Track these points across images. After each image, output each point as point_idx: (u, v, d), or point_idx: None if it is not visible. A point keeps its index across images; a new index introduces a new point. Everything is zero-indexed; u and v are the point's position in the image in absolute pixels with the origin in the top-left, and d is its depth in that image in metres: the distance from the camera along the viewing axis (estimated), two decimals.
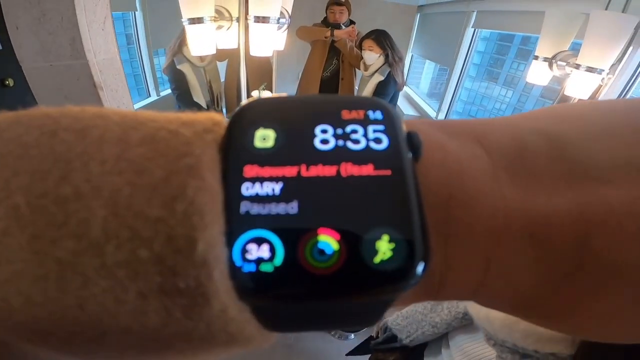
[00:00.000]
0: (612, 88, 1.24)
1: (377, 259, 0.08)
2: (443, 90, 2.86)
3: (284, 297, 0.08)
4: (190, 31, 0.97)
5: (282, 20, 1.08)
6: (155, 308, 0.08)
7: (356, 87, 2.21)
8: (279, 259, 0.08)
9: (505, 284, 0.10)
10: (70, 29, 0.40)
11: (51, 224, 0.08)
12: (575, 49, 1.17)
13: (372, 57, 1.89)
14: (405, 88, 3.54)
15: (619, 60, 1.10)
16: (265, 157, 0.09)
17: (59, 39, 0.41)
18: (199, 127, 0.09)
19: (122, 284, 0.08)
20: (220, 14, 1.05)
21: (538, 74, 1.35)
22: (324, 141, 0.09)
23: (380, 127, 0.10)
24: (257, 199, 0.09)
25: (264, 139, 0.09)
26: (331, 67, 2.15)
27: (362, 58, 1.98)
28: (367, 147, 0.09)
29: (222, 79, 1.82)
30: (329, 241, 0.08)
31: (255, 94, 1.59)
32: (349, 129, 0.10)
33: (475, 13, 2.36)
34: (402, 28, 3.02)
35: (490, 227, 0.09)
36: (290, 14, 1.16)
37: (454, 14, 2.59)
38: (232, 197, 0.09)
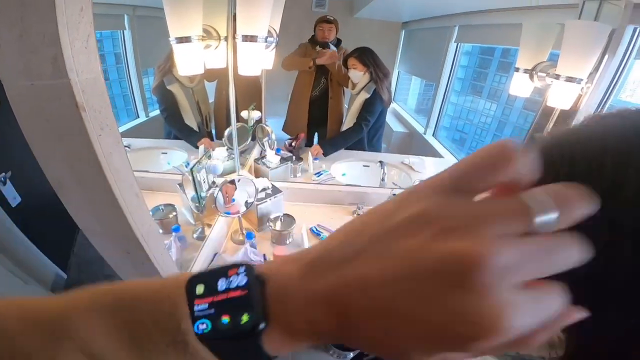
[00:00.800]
0: (592, 97, 1.28)
1: (243, 322, 0.19)
2: (430, 105, 2.92)
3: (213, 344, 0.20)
4: (178, 50, 0.98)
5: (270, 39, 1.10)
6: (172, 351, 0.20)
7: (345, 105, 2.24)
8: (208, 329, 0.19)
9: (325, 331, 0.19)
10: (51, 46, 0.40)
11: None
12: (554, 59, 1.22)
13: (357, 75, 1.95)
14: (394, 104, 3.61)
15: (596, 69, 1.14)
16: (200, 296, 0.20)
17: (40, 57, 0.40)
18: (172, 290, 0.21)
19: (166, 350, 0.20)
20: (208, 33, 1.06)
21: (520, 86, 1.39)
22: (221, 285, 0.20)
23: (244, 273, 0.21)
24: (199, 310, 0.20)
25: (200, 289, 0.20)
26: (320, 86, 2.18)
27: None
28: (237, 284, 0.20)
29: (211, 100, 1.82)
30: (225, 319, 0.19)
31: (244, 114, 1.59)
32: (231, 278, 0.21)
33: (457, 28, 2.44)
34: (388, 45, 3.11)
35: (298, 305, 0.19)
36: (278, 32, 1.18)
37: (437, 30, 2.68)
38: (192, 309, 0.20)
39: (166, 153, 1.72)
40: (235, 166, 1.53)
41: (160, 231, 1.18)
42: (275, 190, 1.46)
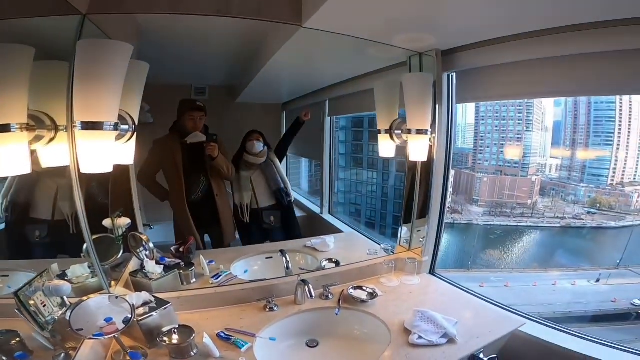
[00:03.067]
0: (440, 146, 1.50)
1: None
2: (320, 184, 3.06)
3: None
4: None
5: (123, 126, 0.98)
6: None
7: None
8: None
9: None
10: None
11: None
12: (404, 117, 1.43)
13: (260, 144, 2.11)
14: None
15: (434, 119, 1.37)
16: None
17: None
18: None
19: None
20: (38, 122, 0.88)
21: (385, 148, 1.55)
22: None
23: None
24: None
25: None
26: (200, 186, 1.98)
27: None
28: None
29: None
30: None
31: (107, 222, 1.35)
32: None
33: (327, 102, 2.73)
34: (272, 126, 3.22)
35: None
36: (136, 120, 1.08)
37: (312, 106, 2.86)
38: None
39: (7, 276, 1.32)
40: (102, 283, 1.24)
41: None
42: (161, 303, 1.19)
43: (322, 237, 1.94)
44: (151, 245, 1.42)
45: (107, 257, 1.40)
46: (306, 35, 1.21)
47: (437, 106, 1.40)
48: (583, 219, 12.22)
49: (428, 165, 1.48)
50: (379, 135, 1.54)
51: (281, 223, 2.31)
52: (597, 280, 9.70)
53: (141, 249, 1.44)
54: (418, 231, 1.69)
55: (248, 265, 1.75)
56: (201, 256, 1.58)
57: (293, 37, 1.27)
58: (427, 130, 1.31)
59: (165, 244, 1.73)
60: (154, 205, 2.01)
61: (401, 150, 1.56)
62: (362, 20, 1.14)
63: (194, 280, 1.52)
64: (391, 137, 1.47)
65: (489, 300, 1.46)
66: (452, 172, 1.59)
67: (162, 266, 1.42)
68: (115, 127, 0.89)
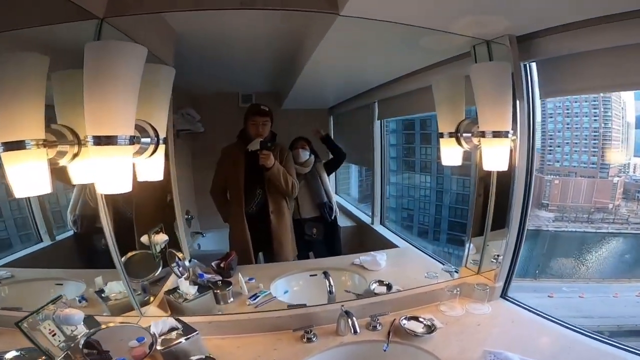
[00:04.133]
0: (522, 150, 1.21)
1: None
2: (371, 193, 2.84)
3: None
4: (5, 162, 0.70)
5: (144, 139, 0.88)
6: None
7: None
8: None
9: None
10: None
11: None
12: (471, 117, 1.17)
13: (306, 153, 2.03)
14: (338, 198, 3.53)
15: (514, 117, 1.09)
16: None
17: None
18: None
19: None
20: (60, 136, 0.80)
21: (449, 154, 1.28)
22: None
23: None
24: None
25: None
26: (255, 200, 1.83)
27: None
28: None
29: None
30: None
31: (144, 239, 1.29)
32: None
33: (376, 104, 2.50)
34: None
35: None
36: (162, 131, 0.97)
37: (360, 109, 2.71)
38: None
39: (61, 284, 1.40)
40: (132, 303, 1.19)
41: None
42: (188, 329, 1.08)
43: (372, 253, 1.73)
44: (187, 263, 1.34)
45: (146, 273, 1.36)
46: (346, 25, 1.04)
47: (518, 102, 1.12)
48: None
49: (506, 173, 1.20)
50: (440, 139, 1.28)
51: (324, 236, 2.18)
52: None
53: (175, 265, 1.36)
54: (487, 246, 1.41)
55: (289, 285, 1.60)
56: (239, 274, 1.46)
57: (331, 28, 1.10)
58: (507, 132, 1.03)
59: (220, 252, 1.66)
60: (208, 211, 2.00)
61: (466, 154, 1.31)
62: (409, 2, 0.94)
63: (231, 299, 1.40)
64: (458, 142, 1.21)
65: (582, 330, 1.13)
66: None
67: (197, 286, 1.32)
68: (132, 140, 0.78)
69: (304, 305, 1.31)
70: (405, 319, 1.19)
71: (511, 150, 1.12)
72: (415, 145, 3.06)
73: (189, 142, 2.24)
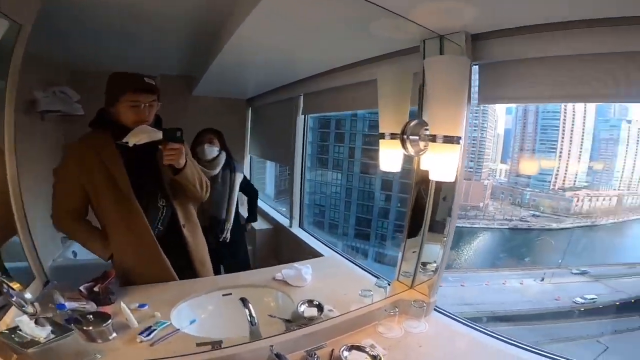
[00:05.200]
0: (463, 157, 1.15)
1: None
2: (289, 195, 2.64)
3: None
4: None
5: None
6: None
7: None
8: None
9: None
10: None
11: None
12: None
13: (214, 150, 1.79)
14: None
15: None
16: None
17: None
18: None
19: None
20: None
21: (389, 158, 1.14)
22: None
23: None
24: None
25: None
26: (160, 216, 1.30)
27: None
28: None
29: None
30: None
31: None
32: None
33: (302, 97, 2.31)
34: (234, 126, 2.77)
35: None
36: None
37: (283, 103, 2.49)
38: None
39: None
40: None
41: None
42: None
43: (296, 265, 1.52)
44: (28, 295, 0.90)
45: None
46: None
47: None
48: (528, 221, 13.19)
49: (446, 183, 1.13)
50: (381, 141, 1.14)
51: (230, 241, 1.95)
52: (542, 280, 10.45)
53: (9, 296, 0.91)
54: (413, 252, 1.34)
55: (196, 311, 1.27)
56: (122, 303, 1.08)
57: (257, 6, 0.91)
58: (458, 138, 0.93)
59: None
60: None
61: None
62: None
63: (114, 335, 1.02)
64: (403, 145, 1.08)
65: (518, 344, 1.13)
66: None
67: (49, 328, 0.91)
68: None
69: (220, 343, 1.02)
70: (346, 349, 1.01)
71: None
72: (329, 143, 3.10)
73: (63, 127, 1.79)
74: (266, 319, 1.21)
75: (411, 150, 1.06)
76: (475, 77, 1.14)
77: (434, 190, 1.23)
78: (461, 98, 0.92)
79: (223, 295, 1.34)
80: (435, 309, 1.33)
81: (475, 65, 1.12)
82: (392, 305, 1.20)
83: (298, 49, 1.54)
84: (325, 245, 2.27)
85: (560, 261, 11.00)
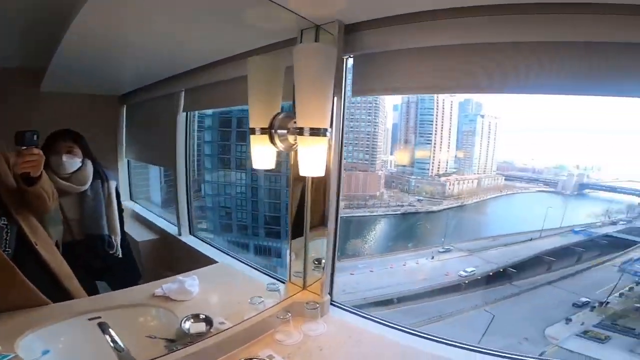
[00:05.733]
0: (336, 150, 1.19)
1: None
2: (174, 201, 2.39)
3: None
4: None
5: None
6: None
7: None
8: None
9: None
10: None
11: None
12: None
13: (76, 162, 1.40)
14: (133, 205, 2.84)
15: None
16: None
17: None
18: None
19: None
20: None
21: (261, 155, 1.09)
22: None
23: None
24: None
25: None
26: (4, 238, 1.07)
27: None
28: None
29: None
30: None
31: None
32: None
33: (183, 93, 2.10)
34: (105, 127, 2.35)
35: None
36: None
37: (162, 99, 2.23)
38: None
39: None
40: None
41: None
42: None
43: (179, 277, 1.36)
44: None
45: None
46: None
47: (336, 98, 1.07)
48: (415, 205, 15.16)
49: (323, 177, 1.14)
50: (251, 137, 1.08)
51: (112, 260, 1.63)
52: (432, 258, 12.13)
53: None
54: (301, 251, 1.35)
55: (51, 340, 1.01)
56: None
57: None
58: (325, 130, 0.94)
59: None
60: None
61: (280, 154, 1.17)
62: None
63: None
64: (271, 140, 1.04)
65: (419, 333, 1.20)
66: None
67: None
68: None
69: None
70: None
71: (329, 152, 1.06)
72: (231, 142, 2.96)
73: None
74: (144, 342, 1.04)
75: (280, 146, 1.03)
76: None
77: (312, 186, 1.23)
78: (327, 88, 0.92)
79: (89, 319, 1.12)
80: (333, 304, 1.32)
81: (351, 57, 1.15)
82: (285, 311, 1.14)
83: (170, 40, 1.37)
84: (220, 250, 2.13)
85: (442, 240, 12.94)
